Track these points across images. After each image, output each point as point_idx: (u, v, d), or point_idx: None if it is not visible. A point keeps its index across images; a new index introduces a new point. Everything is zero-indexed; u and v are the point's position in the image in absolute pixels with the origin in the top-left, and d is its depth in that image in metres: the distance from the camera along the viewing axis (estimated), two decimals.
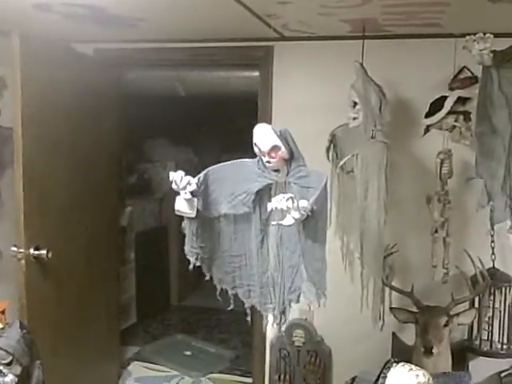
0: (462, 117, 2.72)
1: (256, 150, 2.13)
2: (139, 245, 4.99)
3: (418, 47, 2.94)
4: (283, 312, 2.26)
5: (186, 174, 2.06)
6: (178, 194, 2.06)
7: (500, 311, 2.79)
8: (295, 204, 1.81)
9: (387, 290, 2.77)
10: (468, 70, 2.73)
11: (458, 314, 2.63)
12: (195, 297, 5.82)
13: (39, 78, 2.76)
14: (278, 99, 3.22)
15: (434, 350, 2.49)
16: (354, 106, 2.59)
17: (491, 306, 2.79)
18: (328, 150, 2.78)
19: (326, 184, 2.01)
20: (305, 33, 2.95)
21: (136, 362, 4.19)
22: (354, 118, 2.59)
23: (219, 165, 2.21)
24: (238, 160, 2.24)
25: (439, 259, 2.73)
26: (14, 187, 2.71)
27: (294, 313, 3.28)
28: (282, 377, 3.32)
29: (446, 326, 2.57)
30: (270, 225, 2.19)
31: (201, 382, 3.97)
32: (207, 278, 2.31)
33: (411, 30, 2.78)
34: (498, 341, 2.82)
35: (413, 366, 1.92)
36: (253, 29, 2.83)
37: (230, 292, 2.34)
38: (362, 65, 2.59)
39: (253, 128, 2.18)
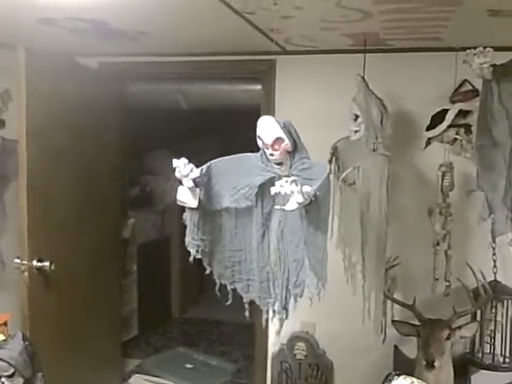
0: (463, 130, 2.74)
1: (259, 142, 2.13)
2: (141, 257, 4.99)
3: (419, 61, 2.97)
4: (285, 307, 2.24)
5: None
6: (181, 183, 2.05)
7: (502, 324, 2.78)
8: (299, 187, 1.80)
9: (389, 302, 2.77)
10: (469, 83, 2.75)
11: (459, 327, 2.62)
12: (197, 309, 5.81)
13: (44, 91, 2.79)
14: (280, 112, 3.24)
15: (435, 364, 2.47)
16: (356, 119, 2.61)
17: (493, 319, 2.78)
18: (330, 162, 2.79)
19: (329, 174, 2.01)
20: (307, 47, 2.98)
21: (137, 375, 4.16)
22: (356, 131, 2.61)
23: (222, 158, 2.21)
24: (241, 154, 2.24)
25: (441, 272, 2.74)
26: (17, 199, 2.73)
27: (295, 326, 3.30)
28: None
29: (447, 339, 2.56)
30: (271, 219, 2.19)
31: None
32: (207, 272, 2.29)
33: (412, 43, 2.80)
34: (500, 354, 2.81)
35: (414, 379, 1.92)
36: (255, 43, 2.86)
37: (228, 287, 2.32)
38: (363, 78, 2.61)
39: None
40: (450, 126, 2.74)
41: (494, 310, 2.77)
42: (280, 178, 2.11)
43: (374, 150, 2.56)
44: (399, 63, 3.01)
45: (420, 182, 2.98)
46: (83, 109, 3.16)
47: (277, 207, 2.08)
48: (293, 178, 1.86)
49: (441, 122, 2.75)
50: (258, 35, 2.68)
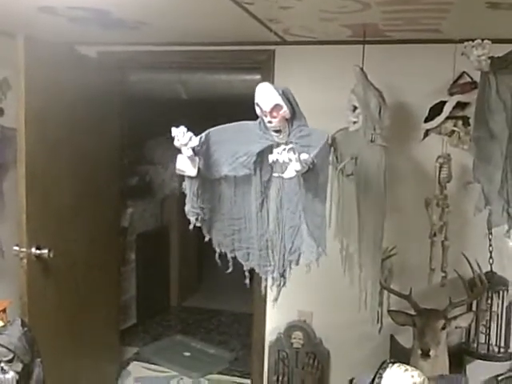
0: (460, 122, 2.75)
1: (257, 110, 2.12)
2: (140, 246, 5.01)
3: (418, 52, 2.97)
4: (282, 274, 2.23)
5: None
6: (180, 152, 2.05)
7: (497, 315, 2.81)
8: (296, 155, 1.79)
9: (385, 292, 2.79)
10: (467, 75, 2.76)
11: (455, 317, 2.65)
12: (195, 298, 5.85)
13: (43, 80, 2.79)
14: None
15: (431, 353, 2.50)
16: (354, 110, 2.61)
17: (489, 309, 2.81)
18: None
19: (327, 140, 2.00)
20: (306, 37, 2.98)
21: (135, 362, 4.21)
22: (354, 122, 2.61)
23: (220, 126, 2.21)
24: (240, 122, 2.23)
25: (437, 262, 2.75)
26: (16, 187, 2.74)
27: (292, 314, 3.32)
28: (280, 378, 3.34)
29: (443, 328, 2.59)
30: (270, 188, 2.18)
31: (200, 383, 4.00)
32: (206, 239, 2.29)
33: (411, 35, 2.81)
34: (496, 344, 2.84)
35: (408, 367, 1.94)
36: (255, 33, 2.86)
37: (228, 255, 2.32)
38: (362, 69, 2.61)
39: None
40: (447, 118, 2.75)
41: (489, 301, 2.80)
42: (278, 145, 2.09)
43: (371, 141, 2.56)
44: (398, 55, 3.00)
45: (417, 174, 2.99)
46: (82, 98, 3.16)
47: (275, 175, 2.07)
48: (290, 145, 1.85)
49: (439, 114, 2.76)
50: (257, 25, 2.68)
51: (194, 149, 2.03)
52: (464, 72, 2.74)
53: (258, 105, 2.11)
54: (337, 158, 2.77)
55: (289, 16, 2.49)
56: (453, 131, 2.76)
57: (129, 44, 3.41)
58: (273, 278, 2.26)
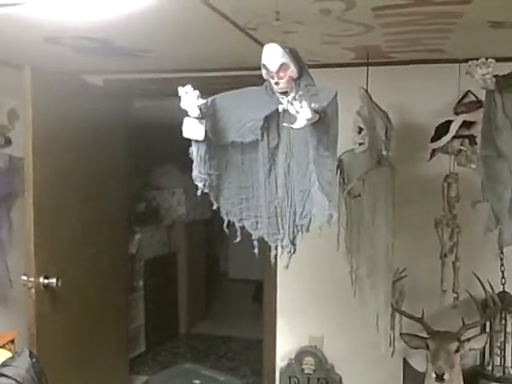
0: (467, 141, 2.73)
1: (263, 72, 2.08)
2: (148, 272, 4.99)
3: (423, 73, 2.98)
4: (292, 241, 2.16)
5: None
6: (187, 115, 2.01)
7: None
8: (307, 102, 1.74)
9: (397, 315, 2.75)
10: (472, 94, 2.75)
11: (469, 340, 2.60)
12: (204, 325, 5.79)
13: (50, 109, 2.82)
14: None
15: (445, 377, 2.45)
16: (360, 132, 2.61)
17: (503, 330, 2.76)
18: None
19: (336, 95, 1.94)
20: (310, 61, 2.99)
21: None
22: (360, 144, 2.61)
23: (226, 92, 2.16)
24: (245, 88, 2.19)
25: (449, 284, 2.72)
26: (24, 216, 2.74)
27: (304, 340, 3.28)
28: None
29: (457, 351, 2.54)
30: (278, 154, 2.12)
31: None
32: (214, 207, 2.23)
33: (415, 55, 2.82)
34: (511, 366, 2.78)
35: None
36: (259, 58, 2.87)
37: (237, 224, 2.25)
38: (366, 91, 2.62)
39: None
40: (454, 137, 2.73)
41: (503, 322, 2.76)
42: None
43: (378, 163, 2.56)
44: (402, 75, 3.02)
45: (426, 194, 2.98)
46: (90, 126, 3.18)
47: (285, 124, 2.00)
48: (300, 92, 1.81)
49: (445, 134, 2.75)
50: (261, 50, 2.69)
51: (200, 110, 1.99)
52: (469, 91, 2.74)
53: (264, 66, 2.06)
54: (343, 179, 2.76)
55: (292, 40, 2.50)
56: (460, 150, 2.74)
57: (135, 72, 3.44)
58: (282, 246, 2.18)
